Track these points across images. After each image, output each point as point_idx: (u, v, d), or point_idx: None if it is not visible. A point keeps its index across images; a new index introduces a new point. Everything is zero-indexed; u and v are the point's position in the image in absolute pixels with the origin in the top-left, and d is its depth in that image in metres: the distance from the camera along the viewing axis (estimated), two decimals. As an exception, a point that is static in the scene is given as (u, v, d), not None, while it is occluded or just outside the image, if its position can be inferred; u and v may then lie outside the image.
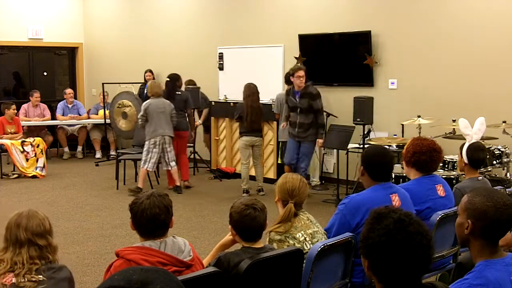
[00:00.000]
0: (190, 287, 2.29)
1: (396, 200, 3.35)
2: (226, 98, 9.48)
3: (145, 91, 10.54)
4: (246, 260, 2.70)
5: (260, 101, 7.93)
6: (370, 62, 7.90)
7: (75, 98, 11.60)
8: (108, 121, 10.30)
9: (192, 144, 9.30)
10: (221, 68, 9.84)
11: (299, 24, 8.68)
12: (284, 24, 8.91)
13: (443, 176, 4.55)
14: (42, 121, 10.60)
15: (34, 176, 9.01)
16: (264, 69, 9.13)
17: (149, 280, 1.20)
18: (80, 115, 10.95)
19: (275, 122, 8.49)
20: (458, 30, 7.23)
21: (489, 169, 6.11)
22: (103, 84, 10.44)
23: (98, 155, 10.91)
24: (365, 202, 3.27)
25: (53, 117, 10.95)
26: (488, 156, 5.82)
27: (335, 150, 8.14)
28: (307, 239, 3.15)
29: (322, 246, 2.92)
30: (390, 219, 1.72)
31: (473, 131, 4.48)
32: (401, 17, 7.72)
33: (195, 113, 9.33)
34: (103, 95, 10.55)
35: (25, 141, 9.19)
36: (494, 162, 6.14)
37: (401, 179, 5.74)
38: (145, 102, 7.94)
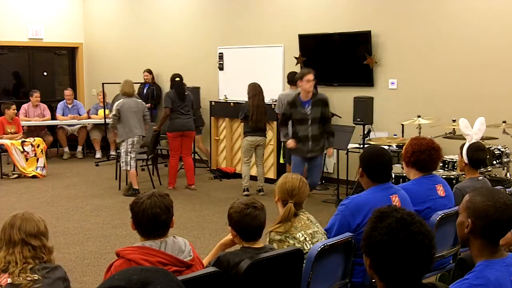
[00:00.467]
0: (190, 287, 2.29)
1: (396, 201, 3.35)
2: (226, 98, 9.47)
3: (145, 91, 10.57)
4: (246, 260, 2.70)
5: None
6: (370, 62, 7.90)
7: (75, 98, 11.60)
8: (108, 121, 10.30)
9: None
10: (221, 68, 9.84)
11: (299, 24, 8.68)
12: (284, 24, 8.91)
13: (443, 176, 4.55)
14: (42, 121, 10.60)
15: (34, 176, 9.01)
16: (264, 69, 9.13)
17: (149, 280, 1.19)
18: (80, 115, 10.96)
19: (275, 122, 8.48)
20: (458, 30, 7.23)
21: (489, 169, 6.11)
22: (103, 84, 10.44)
23: (98, 155, 10.91)
24: (366, 203, 3.26)
25: (53, 117, 10.95)
26: (488, 156, 5.81)
27: (335, 150, 8.13)
28: (307, 239, 3.15)
29: (322, 246, 2.92)
30: (392, 218, 1.73)
31: (473, 131, 4.48)
32: (401, 17, 7.72)
33: None
34: (103, 95, 10.55)
35: (25, 141, 9.19)
36: (494, 162, 6.14)
37: (401, 179, 5.74)
38: (117, 102, 7.99)
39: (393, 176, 5.77)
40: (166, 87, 10.70)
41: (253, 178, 8.14)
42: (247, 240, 2.89)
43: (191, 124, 8.21)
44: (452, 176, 5.68)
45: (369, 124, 7.55)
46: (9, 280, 2.61)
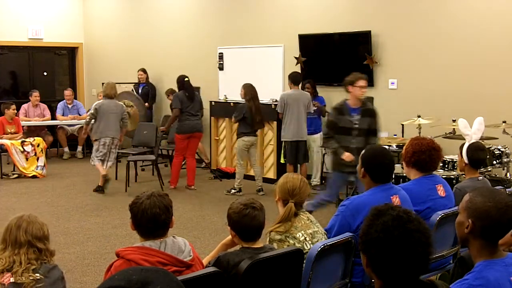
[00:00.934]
0: (190, 287, 2.29)
1: (396, 202, 3.35)
2: (226, 98, 9.47)
3: (140, 91, 10.57)
4: (246, 260, 2.69)
5: (260, 101, 7.96)
6: (370, 62, 7.90)
7: (75, 98, 11.60)
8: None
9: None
10: (221, 68, 9.84)
11: (299, 24, 8.68)
12: (284, 24, 8.91)
13: (443, 176, 4.55)
14: (42, 121, 10.60)
15: (34, 176, 9.01)
16: (264, 69, 9.13)
17: (149, 280, 1.19)
18: (80, 115, 10.95)
19: (275, 122, 8.49)
20: (458, 30, 7.23)
21: (489, 169, 6.11)
22: (103, 84, 10.38)
23: (98, 155, 10.90)
24: (366, 204, 3.26)
25: (53, 117, 10.95)
26: (488, 156, 5.81)
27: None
28: (307, 239, 3.15)
29: (322, 246, 2.92)
30: (388, 216, 1.74)
31: (472, 131, 4.48)
32: (401, 17, 7.71)
33: None
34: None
35: (25, 141, 9.19)
36: (494, 162, 6.14)
37: (401, 179, 5.74)
38: (97, 102, 8.18)
39: (393, 176, 5.77)
40: (160, 87, 10.74)
41: (251, 178, 8.16)
42: (247, 240, 2.89)
43: (200, 125, 8.26)
44: (452, 176, 5.68)
45: (369, 124, 7.53)
46: (12, 279, 2.65)
